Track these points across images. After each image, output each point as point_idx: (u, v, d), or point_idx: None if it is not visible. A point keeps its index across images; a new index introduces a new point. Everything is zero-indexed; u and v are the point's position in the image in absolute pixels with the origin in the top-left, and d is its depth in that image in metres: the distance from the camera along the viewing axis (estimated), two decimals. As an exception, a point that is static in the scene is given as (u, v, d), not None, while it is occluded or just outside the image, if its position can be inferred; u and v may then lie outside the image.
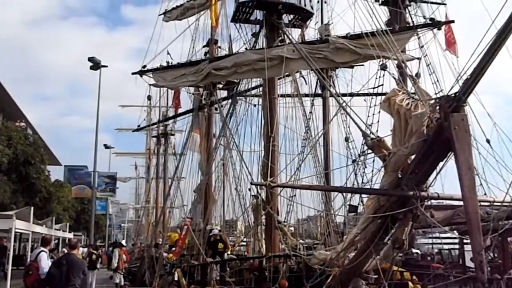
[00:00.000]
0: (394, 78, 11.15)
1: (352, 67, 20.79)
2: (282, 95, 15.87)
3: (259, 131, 14.60)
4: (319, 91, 22.38)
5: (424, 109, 5.52)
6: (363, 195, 13.23)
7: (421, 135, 5.48)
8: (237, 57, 13.55)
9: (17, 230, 17.21)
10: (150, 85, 15.62)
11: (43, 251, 10.71)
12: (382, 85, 17.28)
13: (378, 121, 16.05)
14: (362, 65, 17.83)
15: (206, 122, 20.50)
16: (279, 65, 12.48)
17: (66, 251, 12.97)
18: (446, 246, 22.48)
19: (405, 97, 5.90)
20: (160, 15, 20.99)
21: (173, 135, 35.80)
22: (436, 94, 15.72)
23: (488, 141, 7.72)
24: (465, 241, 12.21)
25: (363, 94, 18.50)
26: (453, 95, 5.24)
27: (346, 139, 20.88)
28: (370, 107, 17.20)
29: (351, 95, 18.74)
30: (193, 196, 19.96)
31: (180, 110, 26.42)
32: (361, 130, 7.10)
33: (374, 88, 17.61)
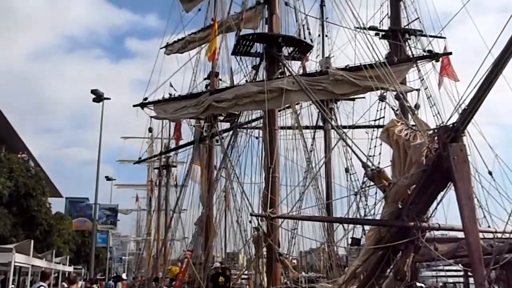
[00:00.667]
0: (393, 109, 11.24)
1: (353, 99, 20.97)
2: (282, 127, 15.93)
3: (260, 163, 14.61)
4: (320, 123, 22.50)
5: (422, 139, 5.54)
6: (365, 227, 13.14)
7: (421, 166, 5.48)
8: (237, 89, 13.66)
9: (16, 264, 17.04)
10: (151, 117, 15.72)
11: (42, 286, 10.60)
12: (383, 117, 17.34)
13: (380, 153, 16.03)
14: (363, 97, 17.98)
15: (207, 154, 20.53)
16: (279, 97, 12.56)
17: (65, 285, 12.84)
18: (450, 280, 22.17)
19: (403, 128, 5.93)
20: (161, 48, 21.30)
21: (174, 166, 35.82)
22: (437, 126, 15.80)
23: (490, 173, 7.69)
24: (469, 273, 12.05)
25: (364, 126, 18.55)
26: (451, 125, 5.26)
27: (346, 170, 20.88)
28: (371, 139, 17.22)
29: (352, 127, 18.80)
30: (194, 228, 19.84)
31: (181, 142, 26.48)
32: (361, 160, 7.12)
33: (375, 120, 17.66)
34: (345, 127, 19.66)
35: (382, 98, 12.19)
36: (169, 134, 32.32)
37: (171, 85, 18.45)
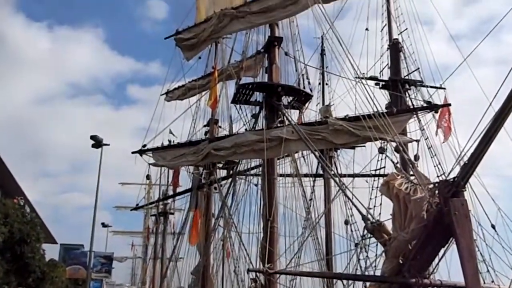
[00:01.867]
0: (392, 162, 11.17)
1: (353, 148, 20.93)
2: (281, 175, 15.83)
3: (259, 211, 14.42)
4: (320, 172, 22.38)
5: (423, 193, 5.44)
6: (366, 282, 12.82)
7: (421, 220, 5.35)
8: (237, 138, 13.63)
9: (6, 313, 16.57)
10: (149, 164, 15.59)
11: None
12: (384, 167, 17.26)
13: (380, 204, 15.82)
14: (364, 146, 17.94)
15: (205, 202, 20.33)
16: (279, 146, 12.51)
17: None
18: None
19: (403, 181, 5.84)
20: (162, 95, 21.42)
21: (172, 214, 35.46)
22: (438, 177, 15.70)
23: (493, 226, 7.54)
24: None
25: (364, 176, 18.45)
26: (451, 179, 5.17)
27: (346, 222, 20.61)
28: (372, 189, 17.08)
29: (352, 176, 18.71)
30: (191, 278, 19.42)
31: (179, 189, 26.27)
32: (361, 213, 6.99)
33: (375, 170, 17.57)
34: (345, 175, 19.61)
35: (381, 151, 12.15)
36: (167, 181, 32.16)
37: (170, 132, 18.47)
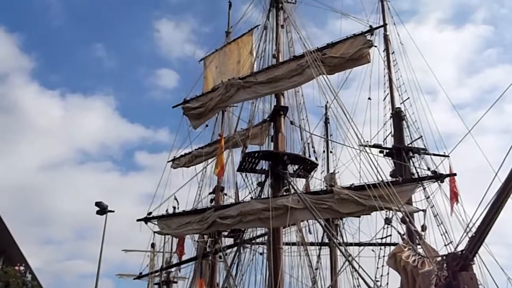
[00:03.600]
0: (399, 233, 11.01)
1: (359, 216, 20.74)
2: (287, 244, 15.63)
3: (264, 281, 14.13)
4: (326, 240, 22.08)
5: (431, 266, 5.37)
6: None
7: (430, 294, 5.26)
8: (242, 206, 13.59)
9: None
10: (154, 232, 15.47)
11: None
12: (390, 235, 17.05)
13: (388, 273, 15.56)
14: (369, 214, 17.81)
15: (209, 271, 19.98)
16: (284, 214, 12.47)
17: None
18: None
19: (411, 254, 5.78)
20: (168, 161, 21.56)
21: (175, 282, 34.64)
22: (445, 245, 15.47)
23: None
24: None
25: (371, 244, 18.19)
26: (459, 252, 5.13)
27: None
28: (378, 257, 16.80)
29: (358, 245, 18.45)
30: None
31: (184, 257, 25.86)
32: (368, 286, 6.88)
33: (381, 238, 17.34)
34: (351, 244, 19.33)
35: (388, 222, 12.05)
36: (171, 249, 31.67)
37: (175, 199, 18.42)
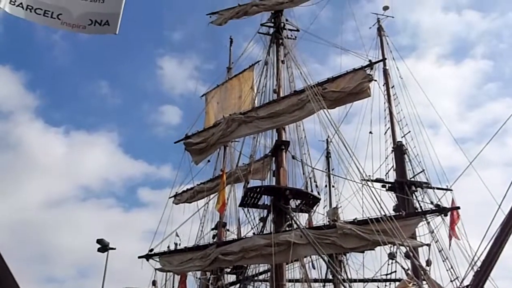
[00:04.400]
0: (403, 268, 10.85)
1: (362, 251, 20.51)
2: (290, 280, 15.43)
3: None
4: (329, 276, 21.77)
5: (436, 303, 5.27)
6: None
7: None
8: (244, 242, 13.44)
9: None
10: (156, 269, 15.28)
11: None
12: (395, 271, 16.83)
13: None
14: (373, 249, 17.61)
15: (212, 309, 19.64)
16: (287, 250, 12.32)
17: None
18: None
19: (416, 289, 5.67)
20: (170, 197, 21.46)
21: (177, 320, 34.05)
22: (451, 281, 15.23)
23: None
24: None
25: (375, 280, 17.94)
26: (465, 287, 5.04)
27: None
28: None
29: (363, 281, 18.18)
30: None
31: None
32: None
33: (386, 274, 17.10)
34: (355, 280, 19.05)
35: (391, 257, 11.88)
36: (173, 286, 31.21)
37: (177, 235, 18.26)
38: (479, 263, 5.19)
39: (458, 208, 16.27)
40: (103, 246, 28.49)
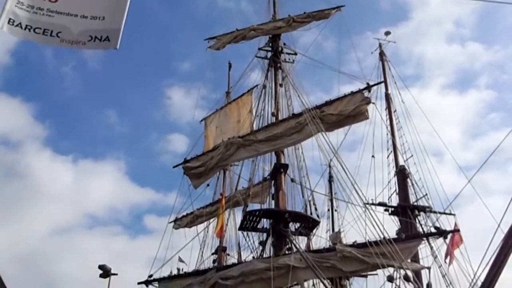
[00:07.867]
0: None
1: (365, 276, 20.27)
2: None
3: None
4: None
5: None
6: None
7: None
8: (244, 266, 13.33)
9: None
10: (155, 295, 15.11)
11: None
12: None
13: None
14: (376, 274, 17.40)
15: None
16: (287, 274, 12.20)
17: None
18: None
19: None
20: (170, 222, 21.34)
21: None
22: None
23: None
24: None
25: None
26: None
27: None
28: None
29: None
30: None
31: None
32: None
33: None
34: (359, 306, 18.76)
35: (390, 279, 11.74)
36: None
37: (180, 260, 18.07)
38: (479, 283, 5.13)
39: (458, 231, 16.12)
40: (105, 272, 28.23)
